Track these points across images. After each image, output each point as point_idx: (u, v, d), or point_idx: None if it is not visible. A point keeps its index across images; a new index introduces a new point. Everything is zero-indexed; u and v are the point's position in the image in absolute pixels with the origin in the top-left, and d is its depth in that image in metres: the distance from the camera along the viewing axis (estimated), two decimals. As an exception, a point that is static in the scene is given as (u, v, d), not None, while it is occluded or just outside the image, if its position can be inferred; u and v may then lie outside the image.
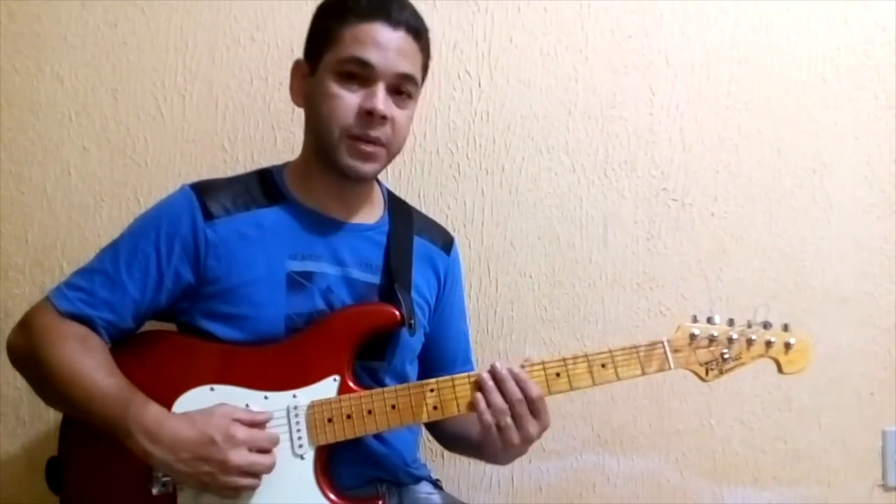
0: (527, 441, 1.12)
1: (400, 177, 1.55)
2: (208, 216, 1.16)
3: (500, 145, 1.58)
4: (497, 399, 1.10)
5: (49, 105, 1.49)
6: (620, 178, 1.60)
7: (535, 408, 1.11)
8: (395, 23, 1.14)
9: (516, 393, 1.11)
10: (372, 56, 1.13)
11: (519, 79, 1.58)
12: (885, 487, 1.64)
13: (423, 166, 1.57)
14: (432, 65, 1.53)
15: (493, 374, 1.12)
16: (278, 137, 1.53)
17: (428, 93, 1.55)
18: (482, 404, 1.11)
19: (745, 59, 1.61)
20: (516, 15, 1.57)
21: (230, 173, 1.30)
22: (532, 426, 1.11)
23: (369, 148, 1.15)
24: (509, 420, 1.10)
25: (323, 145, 1.17)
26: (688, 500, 1.61)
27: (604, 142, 1.60)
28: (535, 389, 1.11)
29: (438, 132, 1.57)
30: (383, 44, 1.13)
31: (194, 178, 1.24)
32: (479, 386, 1.12)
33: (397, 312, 1.17)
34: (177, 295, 1.17)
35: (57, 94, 1.49)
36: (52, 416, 1.45)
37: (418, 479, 1.29)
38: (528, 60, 1.58)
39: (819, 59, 1.63)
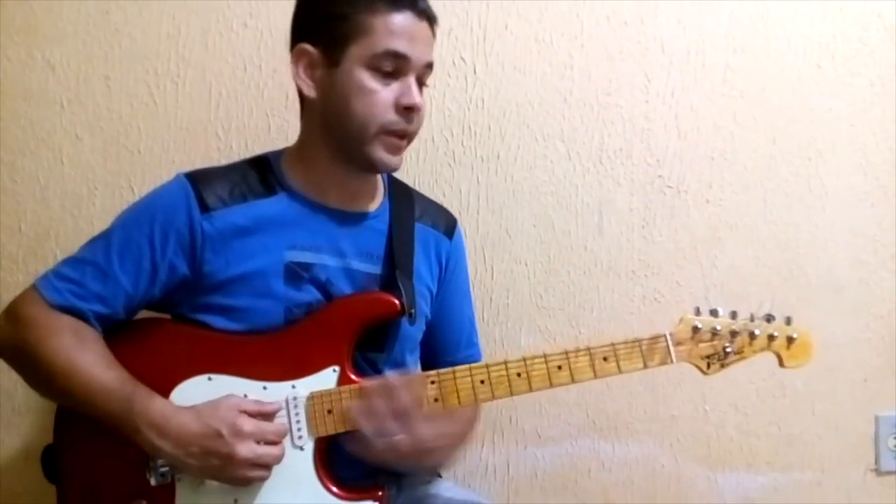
0: (401, 456, 1.10)
1: (395, 165, 1.55)
2: (205, 208, 1.14)
3: (496, 133, 1.57)
4: (364, 426, 1.09)
5: (41, 93, 1.48)
6: (616, 165, 1.60)
7: (404, 420, 1.09)
8: (420, 12, 1.14)
9: (382, 409, 1.09)
10: (406, 48, 1.12)
11: (514, 66, 1.57)
12: (878, 472, 1.65)
13: (419, 154, 1.56)
14: (427, 52, 1.54)
15: (363, 390, 1.11)
16: (272, 125, 1.52)
17: (423, 80, 1.55)
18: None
19: (740, 46, 1.61)
20: (511, 2, 1.56)
21: (224, 161, 1.30)
22: (403, 443, 1.09)
23: (402, 142, 1.16)
24: (382, 441, 1.09)
25: (349, 139, 1.15)
26: (682, 486, 1.63)
27: (599, 129, 1.59)
28: (404, 400, 1.09)
29: (433, 120, 1.56)
30: (415, 35, 1.13)
31: (188, 167, 1.23)
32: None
33: (397, 302, 1.16)
34: (171, 287, 1.15)
35: (49, 82, 1.48)
36: (49, 405, 1.44)
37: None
38: (524, 47, 1.57)
39: (815, 46, 1.62)
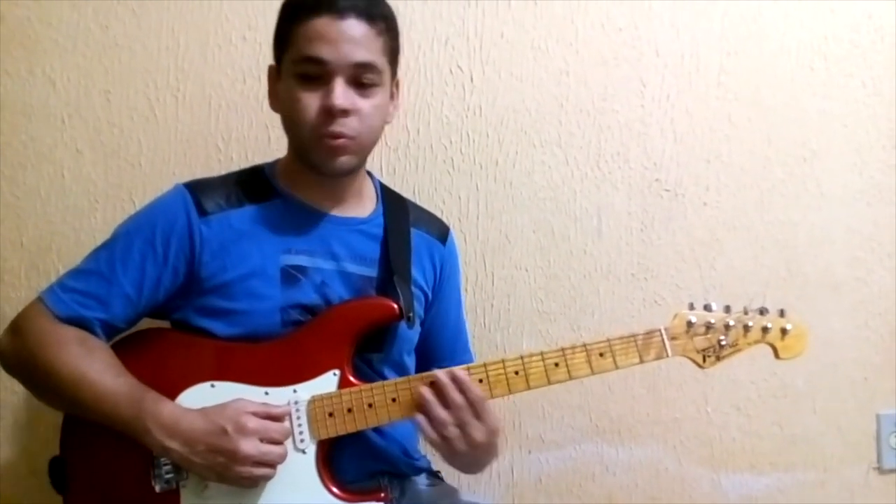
0: (474, 447, 1.12)
1: (395, 173, 1.56)
2: (203, 213, 1.17)
3: (494, 140, 1.59)
4: (439, 412, 1.11)
5: (41, 108, 1.49)
6: (613, 169, 1.61)
7: (477, 410, 1.11)
8: (340, 12, 1.12)
9: (458, 399, 1.11)
10: (322, 52, 1.11)
11: (511, 73, 1.58)
12: (880, 470, 1.65)
13: (418, 162, 1.57)
14: (424, 60, 1.55)
15: (435, 383, 1.12)
16: (272, 136, 1.52)
17: (420, 88, 1.56)
18: (424, 423, 1.11)
19: (734, 49, 1.62)
20: (507, 10, 1.57)
21: (224, 172, 1.30)
22: (477, 431, 1.11)
23: (337, 142, 1.14)
24: (453, 429, 1.10)
25: (298, 146, 1.19)
26: (686, 488, 1.63)
27: (596, 134, 1.60)
28: (476, 392, 1.11)
29: (432, 128, 1.57)
30: (332, 37, 1.11)
31: (189, 179, 1.24)
32: (420, 402, 1.12)
33: (396, 306, 1.18)
34: (173, 292, 1.17)
35: (49, 97, 1.49)
36: (51, 419, 1.44)
37: (419, 471, 1.29)
38: (520, 55, 1.58)
39: (807, 48, 1.64)
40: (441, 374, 1.12)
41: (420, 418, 1.11)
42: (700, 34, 1.62)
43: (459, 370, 1.13)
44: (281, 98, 1.18)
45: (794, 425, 1.65)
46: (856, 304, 1.65)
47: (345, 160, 1.16)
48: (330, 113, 1.12)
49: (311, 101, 1.13)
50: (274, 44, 1.21)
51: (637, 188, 1.62)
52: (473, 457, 1.15)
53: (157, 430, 1.07)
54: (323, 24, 1.11)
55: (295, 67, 1.14)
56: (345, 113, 1.13)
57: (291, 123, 1.17)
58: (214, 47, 1.52)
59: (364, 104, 1.15)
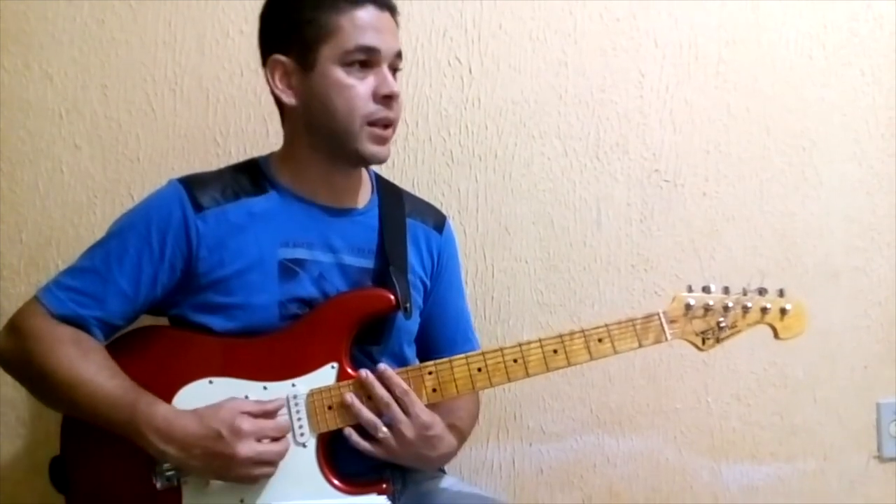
0: (407, 444, 1.12)
1: (393, 165, 1.55)
2: (198, 208, 1.16)
3: (493, 131, 1.58)
4: (366, 415, 1.12)
5: (39, 103, 1.49)
6: (612, 160, 1.61)
7: (404, 405, 1.12)
8: (381, 4, 1.18)
9: (384, 394, 1.12)
10: (375, 41, 1.15)
11: (509, 64, 1.58)
12: (881, 459, 1.66)
13: (416, 154, 1.57)
14: (422, 52, 1.56)
15: (361, 383, 1.13)
16: (270, 130, 1.52)
17: (419, 80, 1.56)
18: (353, 435, 1.13)
19: (732, 39, 1.62)
20: (505, 1, 1.57)
21: (223, 167, 1.30)
22: (407, 429, 1.12)
23: (387, 132, 1.19)
24: (384, 430, 1.12)
25: (337, 137, 1.17)
26: (687, 478, 1.63)
27: (595, 125, 1.60)
28: (402, 385, 1.12)
29: (430, 120, 1.57)
30: (380, 27, 1.16)
31: (187, 173, 1.24)
32: (348, 407, 1.13)
33: (392, 297, 1.18)
34: (170, 288, 1.17)
35: (47, 92, 1.49)
36: (53, 416, 1.44)
37: (421, 463, 1.30)
38: (518, 46, 1.58)
39: (805, 37, 1.63)
40: (364, 372, 1.14)
41: (348, 431, 1.13)
42: (698, 24, 1.61)
43: (383, 366, 1.14)
44: (317, 89, 1.16)
45: (794, 415, 1.65)
46: (855, 294, 1.66)
47: (388, 149, 1.21)
48: (389, 99, 1.16)
49: (364, 89, 1.16)
50: (297, 34, 1.16)
51: (636, 179, 1.61)
52: (410, 455, 1.15)
53: (151, 434, 1.07)
54: (371, 14, 1.16)
55: (344, 56, 1.15)
56: (397, 99, 1.18)
57: (337, 112, 1.16)
58: (212, 41, 1.51)
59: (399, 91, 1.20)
